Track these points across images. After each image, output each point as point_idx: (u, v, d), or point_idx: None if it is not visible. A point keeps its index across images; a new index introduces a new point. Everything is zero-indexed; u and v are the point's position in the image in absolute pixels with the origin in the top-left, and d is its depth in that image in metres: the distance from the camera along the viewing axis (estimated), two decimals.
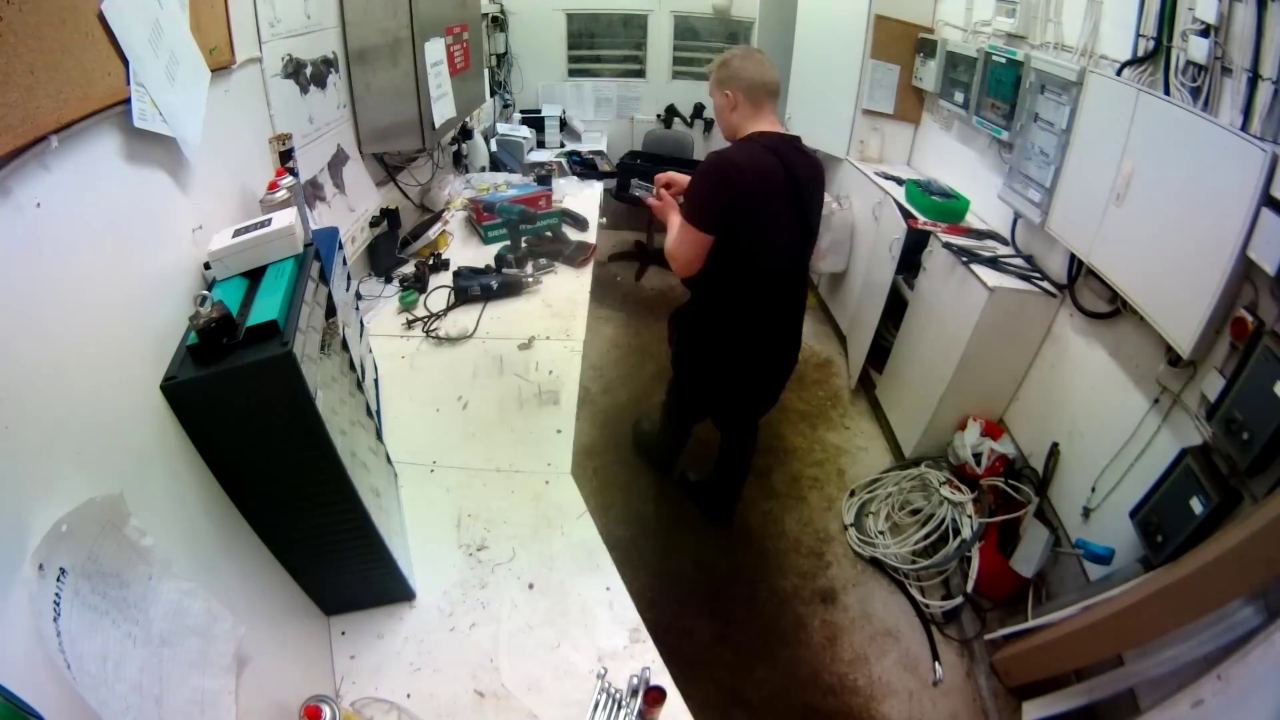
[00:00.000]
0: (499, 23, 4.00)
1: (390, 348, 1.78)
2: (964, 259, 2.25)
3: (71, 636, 0.53)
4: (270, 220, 0.97)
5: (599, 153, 4.16)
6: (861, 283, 3.15)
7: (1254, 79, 1.39)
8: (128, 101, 0.83)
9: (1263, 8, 1.36)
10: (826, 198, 3.26)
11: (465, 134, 2.97)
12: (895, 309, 2.78)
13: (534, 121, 3.99)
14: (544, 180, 2.89)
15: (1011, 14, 2.30)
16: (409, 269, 2.13)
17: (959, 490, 2.24)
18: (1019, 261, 2.24)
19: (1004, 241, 2.38)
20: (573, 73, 4.46)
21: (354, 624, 1.09)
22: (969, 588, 2.04)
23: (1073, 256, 1.98)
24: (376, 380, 1.58)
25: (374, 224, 2.05)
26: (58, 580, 0.53)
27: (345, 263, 1.48)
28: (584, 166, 3.72)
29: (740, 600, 2.15)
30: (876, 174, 3.08)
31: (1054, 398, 2.10)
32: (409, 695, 0.99)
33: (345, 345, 1.16)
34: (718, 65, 1.68)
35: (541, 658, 1.05)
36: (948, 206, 2.57)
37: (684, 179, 1.83)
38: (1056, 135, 1.97)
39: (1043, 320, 2.13)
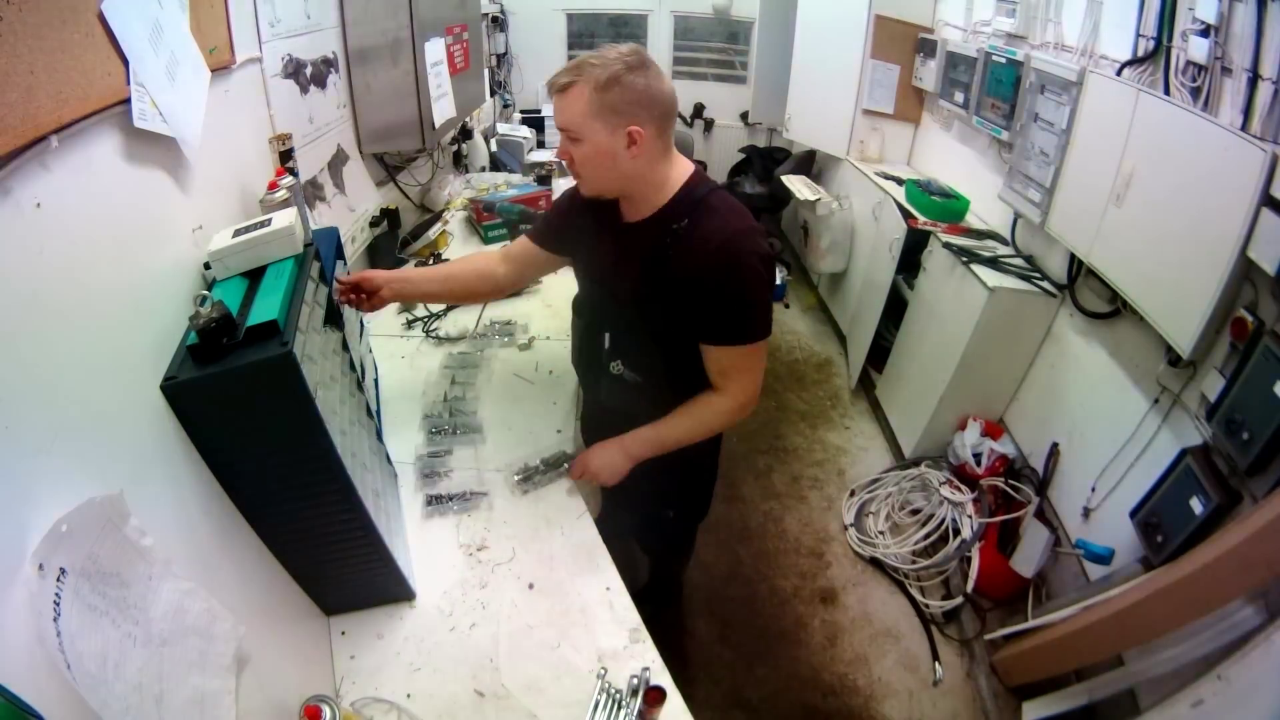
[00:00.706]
0: (499, 23, 4.00)
1: (390, 348, 1.78)
2: (964, 259, 2.25)
3: (71, 636, 0.53)
4: (270, 220, 0.97)
5: None
6: (861, 283, 3.15)
7: (1254, 79, 1.39)
8: (128, 101, 0.83)
9: (1263, 8, 1.36)
10: (826, 197, 3.28)
11: (465, 134, 2.97)
12: (895, 309, 2.78)
13: (534, 121, 3.98)
14: (544, 180, 2.89)
15: (1011, 14, 2.30)
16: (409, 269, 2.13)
17: (959, 490, 2.24)
18: (1019, 261, 2.24)
19: (1004, 241, 2.38)
20: None
21: (354, 624, 1.09)
22: (969, 588, 2.04)
23: (1073, 256, 1.98)
24: (376, 380, 1.58)
25: (374, 224, 2.05)
26: (58, 580, 0.53)
27: (345, 263, 1.48)
28: None
29: (740, 600, 2.15)
30: (876, 174, 3.08)
31: (1054, 398, 2.10)
32: (409, 695, 0.99)
33: (345, 345, 1.16)
34: (603, 83, 1.02)
35: (541, 658, 1.05)
36: (948, 206, 2.57)
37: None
38: (1056, 135, 1.97)
39: (1043, 320, 2.13)
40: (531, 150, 3.58)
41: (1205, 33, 1.49)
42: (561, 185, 2.87)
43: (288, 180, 1.13)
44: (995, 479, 2.18)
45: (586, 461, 1.30)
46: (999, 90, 2.30)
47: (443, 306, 1.98)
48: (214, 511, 0.84)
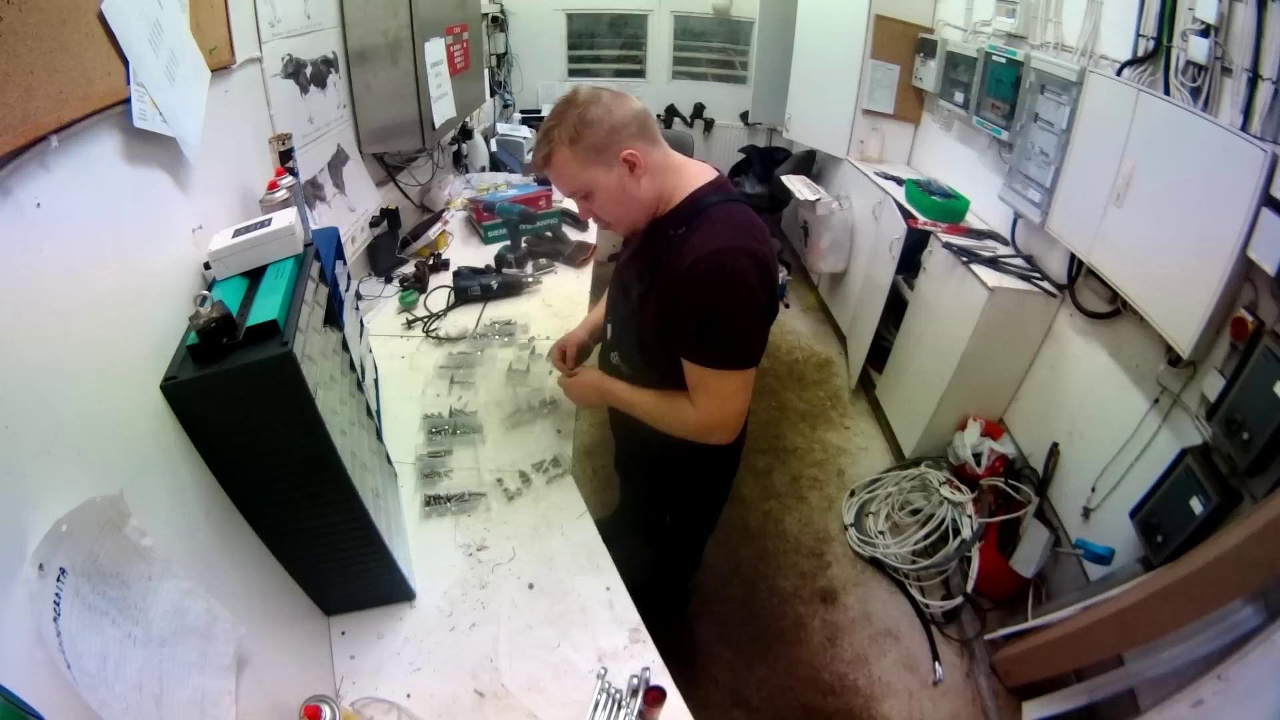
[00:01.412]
0: (499, 23, 4.00)
1: (390, 348, 1.78)
2: (964, 259, 2.25)
3: (71, 636, 0.53)
4: (270, 220, 0.97)
5: None
6: (861, 283, 3.15)
7: (1254, 79, 1.39)
8: (128, 101, 0.83)
9: (1263, 8, 1.36)
10: (826, 197, 3.28)
11: (465, 134, 2.97)
12: (895, 309, 2.78)
13: (534, 121, 3.98)
14: (544, 180, 2.88)
15: (1011, 14, 2.30)
16: (409, 269, 2.13)
17: (959, 490, 2.24)
18: (1019, 261, 2.24)
19: (1004, 241, 2.38)
20: (573, 73, 4.46)
21: (354, 624, 1.09)
22: (969, 588, 2.04)
23: (1073, 256, 1.98)
24: (376, 380, 1.58)
25: (374, 224, 2.05)
26: (58, 580, 0.53)
27: (345, 263, 1.48)
28: None
29: (740, 600, 2.15)
30: (876, 174, 3.08)
31: (1054, 398, 2.10)
32: (409, 695, 0.99)
33: (345, 345, 1.16)
34: (572, 133, 1.03)
35: (541, 658, 1.05)
36: (948, 206, 2.57)
37: (578, 339, 1.45)
38: (1056, 135, 1.97)
39: (1043, 320, 2.13)
40: (531, 150, 3.58)
41: (1205, 33, 1.49)
42: None
43: (288, 180, 1.13)
44: (995, 479, 2.18)
45: (572, 383, 1.39)
46: (999, 90, 2.30)
47: (443, 306, 1.98)
48: (214, 511, 0.84)
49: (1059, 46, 2.12)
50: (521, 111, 4.20)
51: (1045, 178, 2.03)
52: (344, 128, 1.91)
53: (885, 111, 3.20)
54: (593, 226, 2.55)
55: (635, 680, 0.99)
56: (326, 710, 0.83)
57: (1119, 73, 1.78)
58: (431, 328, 1.87)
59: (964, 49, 2.56)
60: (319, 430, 0.85)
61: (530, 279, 2.10)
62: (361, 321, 1.57)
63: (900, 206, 2.70)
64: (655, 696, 0.94)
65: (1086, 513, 1.85)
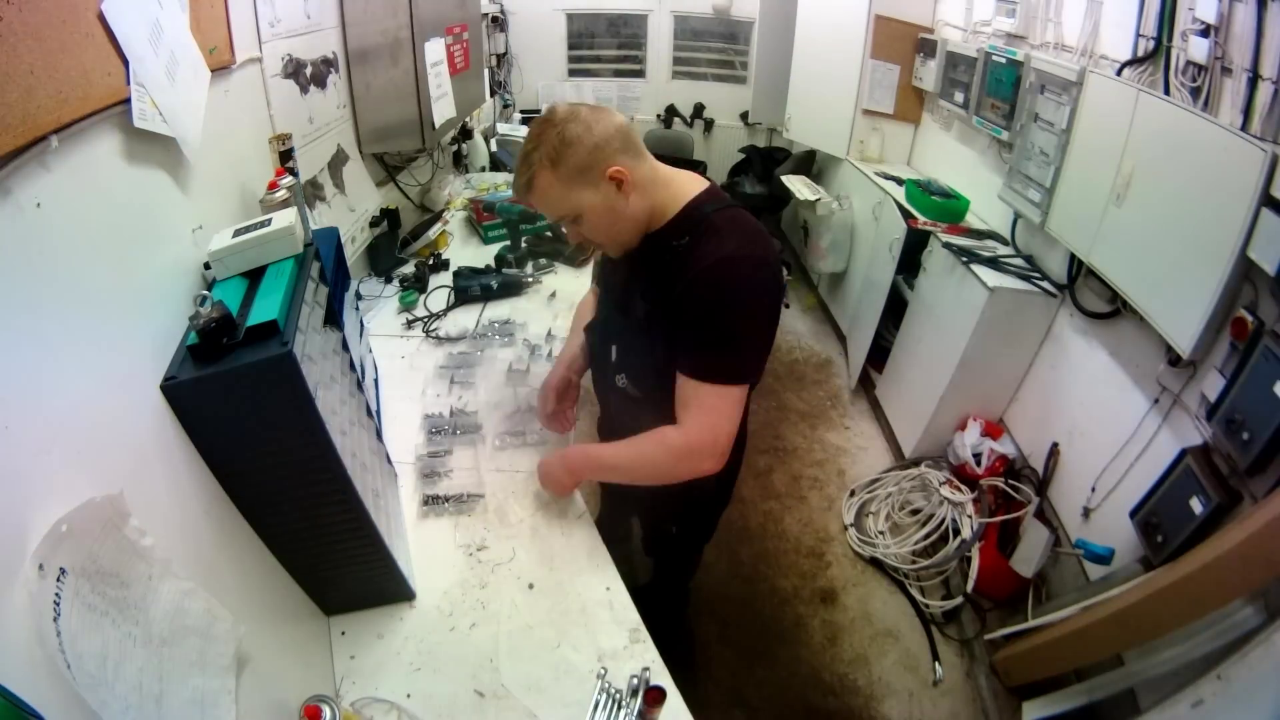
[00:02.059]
0: (499, 23, 4.00)
1: (390, 348, 1.78)
2: (964, 259, 2.25)
3: (71, 636, 0.53)
4: (270, 220, 0.97)
5: None
6: (861, 283, 3.15)
7: (1254, 79, 1.39)
8: (128, 101, 0.83)
9: (1263, 8, 1.36)
10: (826, 197, 3.28)
11: (465, 134, 2.97)
12: (895, 309, 2.78)
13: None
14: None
15: (1011, 14, 2.30)
16: (409, 269, 2.13)
17: (959, 490, 2.24)
18: (1019, 261, 2.24)
19: (1004, 241, 2.38)
20: (573, 73, 4.46)
21: (354, 624, 1.09)
22: (969, 588, 2.04)
23: (1073, 256, 1.98)
24: (376, 380, 1.58)
25: (374, 224, 2.05)
26: (58, 580, 0.53)
27: (345, 262, 1.48)
28: None
29: (740, 600, 2.15)
30: (876, 174, 3.08)
31: (1054, 398, 2.10)
32: (409, 695, 0.99)
33: (345, 345, 1.16)
34: (554, 154, 1.00)
35: (541, 658, 1.05)
36: (948, 206, 2.57)
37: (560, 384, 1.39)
38: (1056, 135, 1.97)
39: (1043, 320, 2.13)
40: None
41: (1205, 33, 1.49)
42: None
43: (288, 180, 1.13)
44: (995, 479, 2.18)
45: (540, 467, 1.30)
46: (999, 90, 2.30)
47: (443, 306, 1.98)
48: (214, 511, 0.84)
49: (1059, 46, 2.12)
50: (521, 111, 4.20)
51: (1045, 178, 2.03)
52: (344, 128, 1.91)
53: (885, 111, 3.20)
54: None
55: (635, 680, 0.99)
56: (326, 710, 0.83)
57: (1119, 73, 1.78)
58: (431, 328, 1.87)
59: (964, 49, 2.56)
60: (319, 430, 0.85)
61: (530, 279, 2.10)
62: (361, 321, 1.57)
63: (900, 206, 2.70)
64: (655, 696, 0.94)
65: (1086, 513, 1.85)
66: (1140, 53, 1.73)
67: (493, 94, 3.82)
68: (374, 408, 1.38)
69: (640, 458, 1.16)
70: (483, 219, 2.40)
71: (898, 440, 2.70)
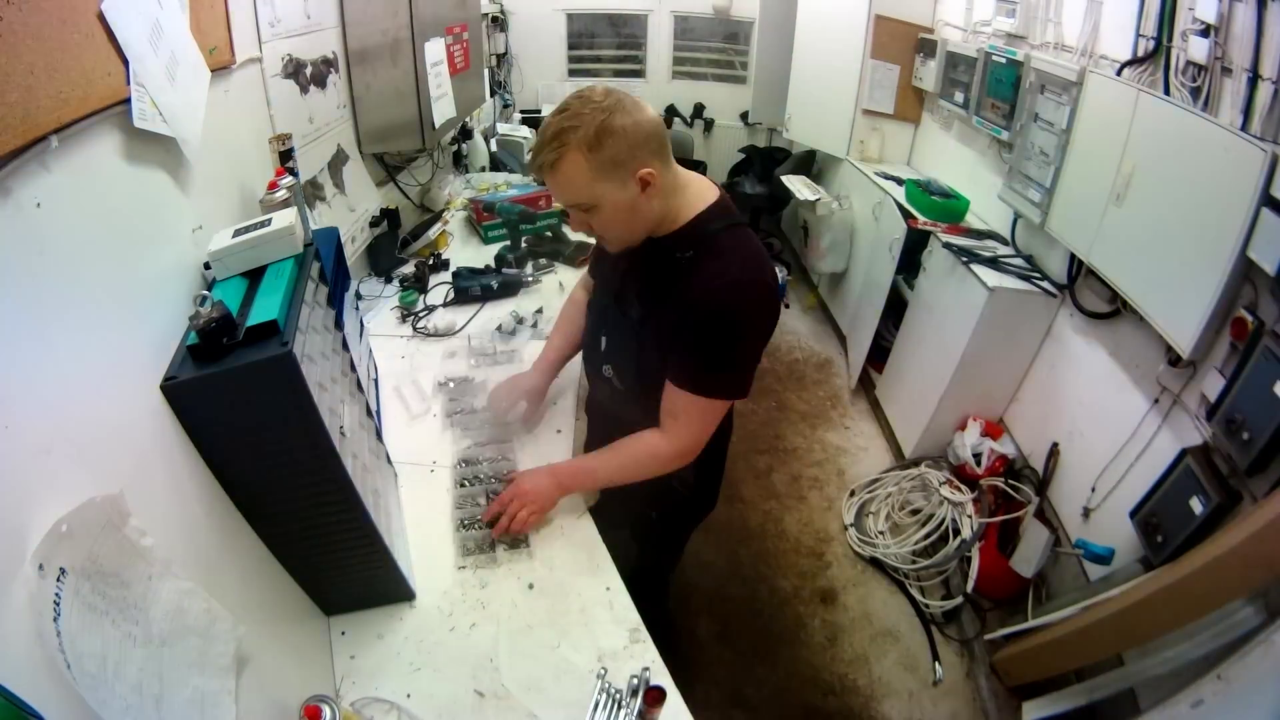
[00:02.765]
0: (499, 23, 4.00)
1: (390, 348, 1.78)
2: (964, 259, 2.25)
3: (71, 636, 0.53)
4: (270, 220, 0.97)
5: None
6: (861, 283, 3.15)
7: (1254, 79, 1.39)
8: (128, 101, 0.82)
9: (1263, 8, 1.36)
10: (826, 197, 3.28)
11: (465, 134, 2.97)
12: (895, 309, 2.78)
13: (534, 121, 3.98)
14: (544, 180, 2.88)
15: (1011, 14, 2.30)
16: (409, 269, 2.12)
17: (959, 490, 2.24)
18: (1019, 261, 2.24)
19: (1004, 241, 2.38)
20: (573, 73, 4.46)
21: (354, 624, 1.09)
22: (969, 588, 2.04)
23: (1073, 256, 1.98)
24: (376, 380, 1.58)
25: (374, 224, 2.05)
26: (58, 580, 0.53)
27: (345, 262, 1.48)
28: None
29: (740, 600, 2.15)
30: (876, 174, 3.09)
31: (1054, 398, 2.10)
32: (409, 695, 0.99)
33: (345, 345, 1.16)
34: (593, 139, 0.94)
35: (541, 658, 1.05)
36: (948, 206, 2.57)
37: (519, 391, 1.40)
38: (1056, 135, 1.97)
39: (1043, 320, 2.14)
40: (532, 150, 3.58)
41: (1205, 33, 1.50)
42: None
43: (288, 180, 1.13)
44: (995, 479, 2.18)
45: (520, 484, 1.24)
46: (999, 90, 2.30)
47: (442, 302, 1.98)
48: (214, 511, 0.84)
49: (1059, 46, 2.12)
50: (521, 111, 4.20)
51: (1045, 178, 2.03)
52: (344, 128, 1.91)
53: (885, 111, 3.20)
54: None
55: (635, 680, 0.99)
56: (326, 710, 0.83)
57: (1119, 73, 1.78)
58: (420, 325, 1.86)
59: (964, 49, 2.57)
60: (319, 430, 0.85)
61: (530, 279, 2.10)
62: (361, 321, 1.57)
63: (900, 206, 2.70)
64: (655, 696, 0.94)
65: (1086, 513, 1.85)
66: (1140, 53, 1.73)
67: (493, 94, 3.82)
68: (374, 408, 1.38)
69: (632, 464, 1.22)
70: (483, 219, 2.40)
71: (898, 440, 2.70)
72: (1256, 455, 1.29)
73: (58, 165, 0.70)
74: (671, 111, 4.49)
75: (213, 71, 1.08)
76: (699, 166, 4.34)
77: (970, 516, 2.15)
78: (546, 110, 4.10)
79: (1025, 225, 2.28)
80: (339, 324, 1.14)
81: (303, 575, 1.02)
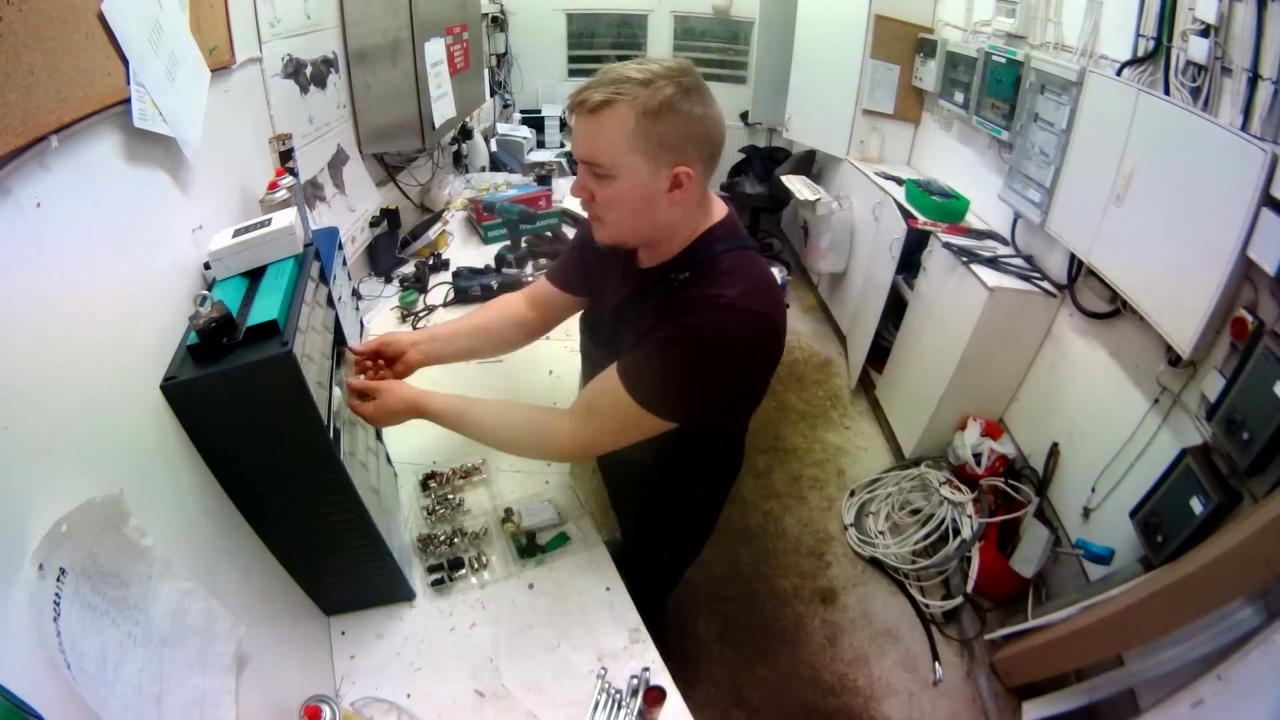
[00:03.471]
0: (499, 23, 4.00)
1: None
2: (964, 259, 2.25)
3: (71, 636, 0.53)
4: (270, 220, 0.97)
5: None
6: (861, 283, 3.15)
7: (1254, 79, 1.39)
8: (128, 101, 0.83)
9: (1263, 8, 1.36)
10: (826, 197, 3.28)
11: (465, 134, 2.97)
12: (895, 309, 2.78)
13: (534, 121, 3.99)
14: (544, 180, 2.89)
15: (1011, 14, 2.30)
16: (409, 269, 2.13)
17: (959, 490, 2.24)
18: (1019, 261, 2.24)
19: (1004, 241, 2.38)
20: (573, 73, 4.46)
21: (354, 624, 1.09)
22: (969, 588, 2.04)
23: (1073, 256, 1.98)
24: None
25: (374, 224, 2.05)
26: (58, 580, 0.53)
27: (345, 263, 1.48)
28: None
29: (740, 600, 2.15)
30: (876, 174, 3.08)
31: (1054, 398, 2.10)
32: (409, 695, 0.99)
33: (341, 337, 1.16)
34: (655, 108, 0.84)
35: (541, 658, 1.05)
36: (948, 206, 2.57)
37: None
38: (1056, 135, 1.97)
39: (1043, 320, 2.13)
40: (531, 150, 3.59)
41: (1205, 33, 1.49)
42: (563, 185, 2.87)
43: (288, 180, 1.13)
44: (995, 479, 2.18)
45: (387, 391, 1.05)
46: (999, 90, 2.30)
47: (441, 301, 1.98)
48: (214, 511, 0.84)
49: (1059, 46, 2.12)
50: (521, 111, 4.20)
51: (1045, 178, 2.03)
52: (344, 128, 1.91)
53: (885, 111, 3.20)
54: None
55: (635, 680, 0.99)
56: (326, 710, 0.84)
57: (1119, 73, 1.78)
58: (419, 324, 1.86)
59: (964, 49, 2.56)
60: (319, 430, 0.85)
61: (530, 279, 2.10)
62: (361, 321, 1.57)
63: (900, 206, 2.70)
64: (655, 696, 0.94)
65: (1086, 513, 1.85)
66: (1140, 53, 1.73)
67: (493, 94, 3.82)
68: None
69: (507, 429, 1.07)
70: (483, 219, 2.40)
71: (898, 440, 2.70)
72: (1256, 455, 1.29)
73: (58, 165, 0.70)
74: None
75: (213, 71, 1.08)
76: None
77: (970, 516, 2.15)
78: (547, 110, 4.10)
79: (1025, 225, 2.28)
80: (341, 340, 1.14)
81: (303, 575, 1.02)
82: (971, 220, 2.58)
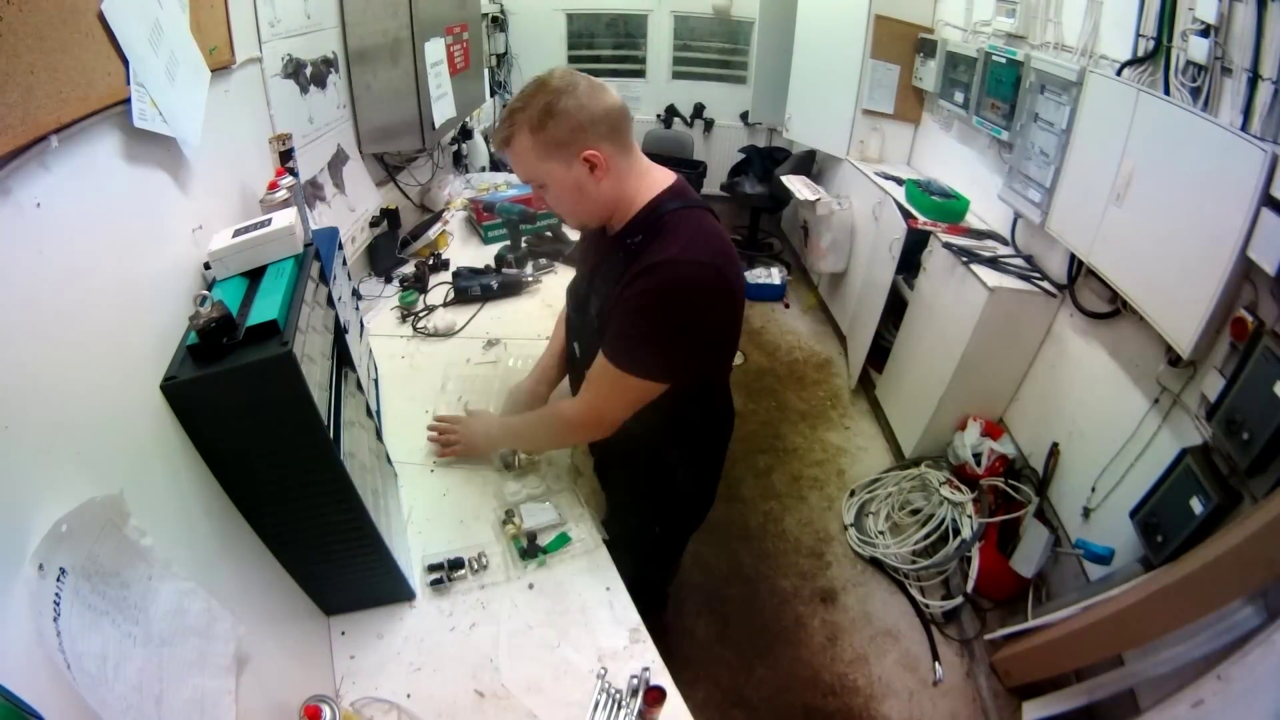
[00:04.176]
0: (499, 23, 4.00)
1: (390, 348, 1.78)
2: (964, 259, 2.25)
3: (71, 636, 0.53)
4: (270, 220, 0.97)
5: None
6: (861, 283, 3.15)
7: (1254, 79, 1.39)
8: (128, 101, 0.83)
9: (1263, 8, 1.36)
10: (826, 197, 3.28)
11: (465, 134, 2.97)
12: (895, 309, 2.78)
13: None
14: None
15: (1011, 14, 2.30)
16: (409, 269, 2.13)
17: (959, 490, 2.24)
18: (1019, 261, 2.24)
19: (1004, 241, 2.38)
20: None
21: (354, 624, 1.09)
22: (969, 588, 2.04)
23: (1073, 256, 1.98)
24: (376, 380, 1.58)
25: (374, 224, 2.05)
26: (58, 580, 0.53)
27: (345, 263, 1.48)
28: None
29: (740, 600, 2.15)
30: (876, 174, 3.08)
31: (1054, 398, 2.10)
32: (409, 695, 0.99)
33: (345, 344, 1.16)
34: (536, 121, 1.00)
35: (541, 658, 1.05)
36: (948, 206, 2.57)
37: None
38: (1056, 135, 1.97)
39: (1043, 320, 2.13)
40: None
41: (1205, 33, 1.49)
42: None
43: (288, 180, 1.13)
44: (995, 479, 2.18)
45: (467, 425, 1.39)
46: (999, 90, 2.30)
47: (442, 302, 1.98)
48: (214, 511, 0.84)
49: (1059, 46, 2.12)
50: None
51: (1045, 178, 2.03)
52: (344, 128, 1.91)
53: (885, 111, 3.20)
54: None
55: (635, 680, 0.99)
56: (326, 710, 0.84)
57: (1119, 73, 1.78)
58: (420, 325, 1.86)
59: (964, 49, 2.56)
60: (319, 430, 0.85)
61: (530, 279, 2.10)
62: (361, 321, 1.57)
63: (900, 206, 2.70)
64: (655, 696, 0.94)
65: (1086, 513, 1.85)
66: (1140, 53, 1.73)
67: (493, 94, 3.82)
68: (374, 408, 1.38)
69: (543, 428, 1.30)
70: (483, 219, 2.40)
71: (898, 440, 2.70)
72: (1256, 455, 1.29)
73: (58, 165, 0.70)
74: (671, 111, 4.49)
75: (213, 71, 1.08)
76: (699, 167, 4.34)
77: (970, 516, 2.15)
78: None
79: (1025, 225, 2.28)
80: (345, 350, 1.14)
81: (303, 575, 1.02)
82: (971, 220, 2.59)
